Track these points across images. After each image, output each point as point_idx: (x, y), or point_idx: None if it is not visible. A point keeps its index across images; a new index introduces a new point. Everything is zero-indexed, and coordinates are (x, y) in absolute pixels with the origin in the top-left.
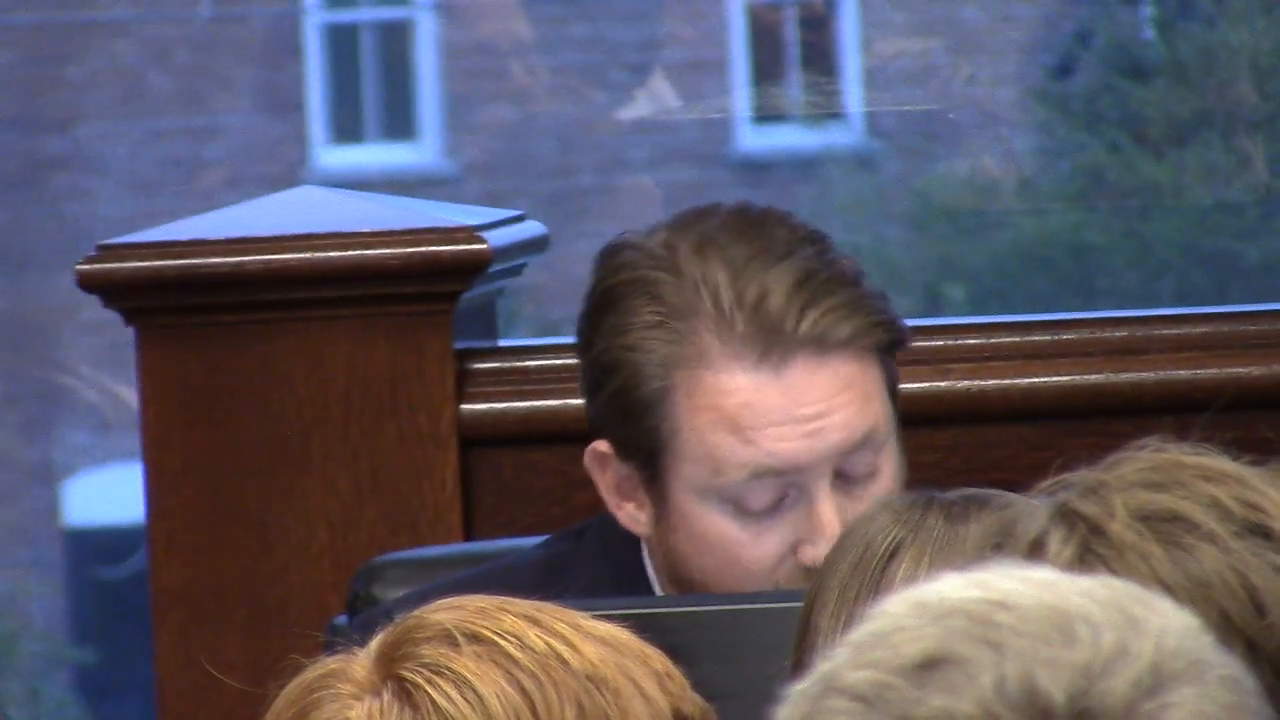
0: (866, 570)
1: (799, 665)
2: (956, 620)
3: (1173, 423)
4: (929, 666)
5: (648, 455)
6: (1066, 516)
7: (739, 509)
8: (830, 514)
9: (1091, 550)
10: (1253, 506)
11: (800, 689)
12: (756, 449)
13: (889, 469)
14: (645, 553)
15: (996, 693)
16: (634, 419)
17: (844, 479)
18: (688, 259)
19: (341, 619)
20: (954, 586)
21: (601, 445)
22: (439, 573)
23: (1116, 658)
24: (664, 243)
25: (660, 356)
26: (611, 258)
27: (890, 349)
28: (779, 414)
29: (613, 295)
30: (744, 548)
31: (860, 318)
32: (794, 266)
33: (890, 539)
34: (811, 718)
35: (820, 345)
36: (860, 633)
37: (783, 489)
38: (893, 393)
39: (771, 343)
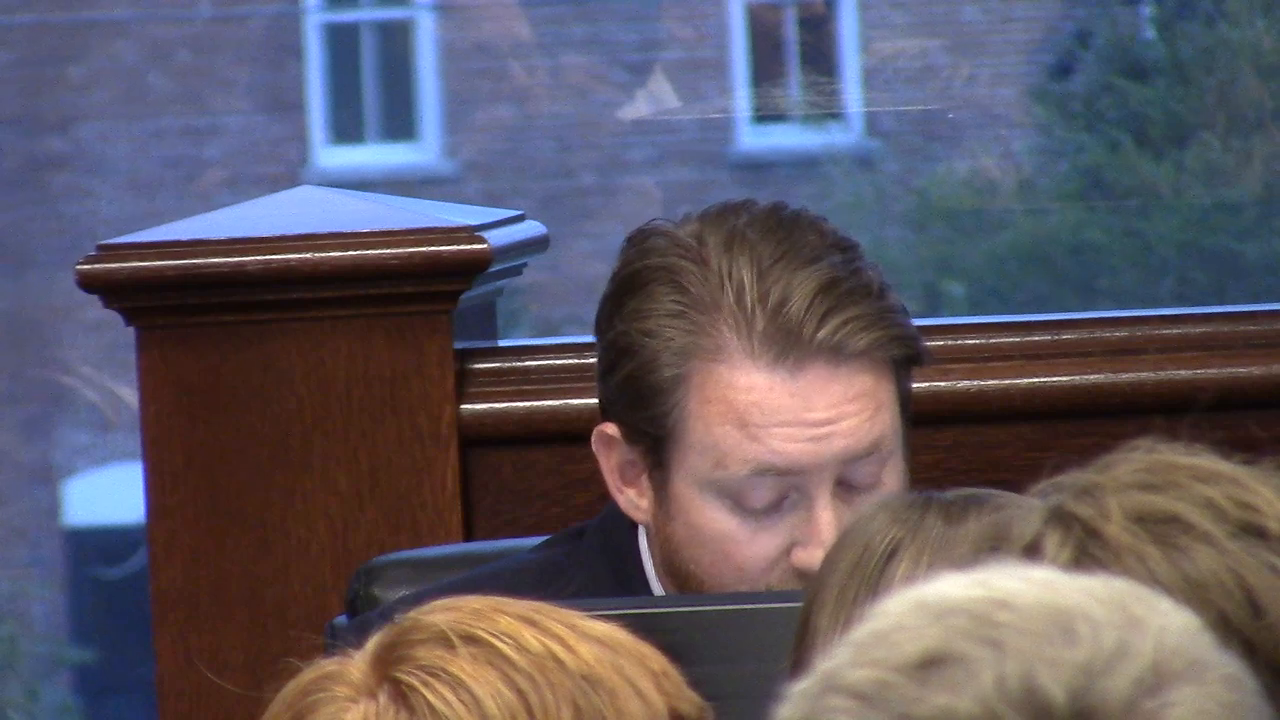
0: (865, 570)
1: (798, 665)
2: (957, 619)
3: (1173, 423)
4: (930, 665)
5: (654, 441)
6: (1062, 519)
7: (738, 505)
8: (828, 520)
9: (1088, 552)
10: (1247, 506)
11: (801, 688)
12: (761, 446)
13: (892, 482)
14: (644, 553)
15: (997, 691)
16: (645, 404)
17: (845, 487)
18: (715, 252)
19: (341, 619)
20: (955, 585)
21: (609, 428)
22: (439, 573)
23: (1117, 656)
24: (694, 234)
25: (678, 345)
26: (640, 242)
27: (907, 364)
28: (788, 415)
29: (637, 280)
30: (739, 545)
31: (879, 330)
32: (819, 272)
33: (889, 539)
34: (812, 716)
35: (836, 354)
36: (861, 632)
37: (783, 490)
38: (904, 407)
39: (789, 346)
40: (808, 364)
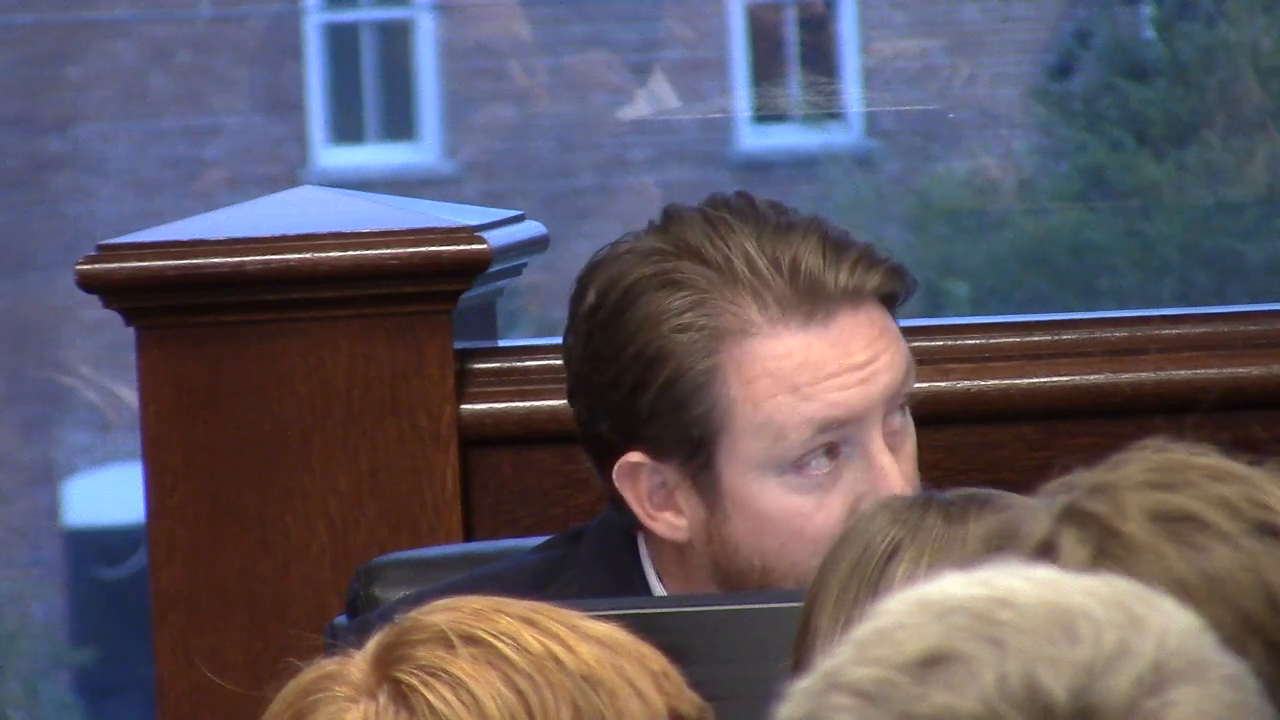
0: (865, 570)
1: (799, 665)
2: (959, 618)
3: (1173, 423)
4: (931, 664)
5: (695, 446)
6: (1077, 517)
7: (799, 478)
8: (889, 460)
9: (1106, 551)
10: (1262, 505)
11: (803, 686)
12: (819, 403)
13: (909, 430)
14: (643, 555)
15: (999, 690)
16: (685, 406)
17: (887, 434)
18: (702, 241)
19: (342, 619)
20: (957, 584)
21: (632, 456)
22: (439, 573)
23: (1118, 656)
24: (659, 240)
25: (708, 332)
26: (604, 270)
27: (893, 300)
28: (834, 365)
29: (628, 297)
30: (809, 517)
31: (880, 266)
32: (805, 230)
33: (889, 539)
34: (814, 715)
35: (856, 296)
36: (863, 630)
37: (838, 447)
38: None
39: (816, 301)
40: (835, 313)
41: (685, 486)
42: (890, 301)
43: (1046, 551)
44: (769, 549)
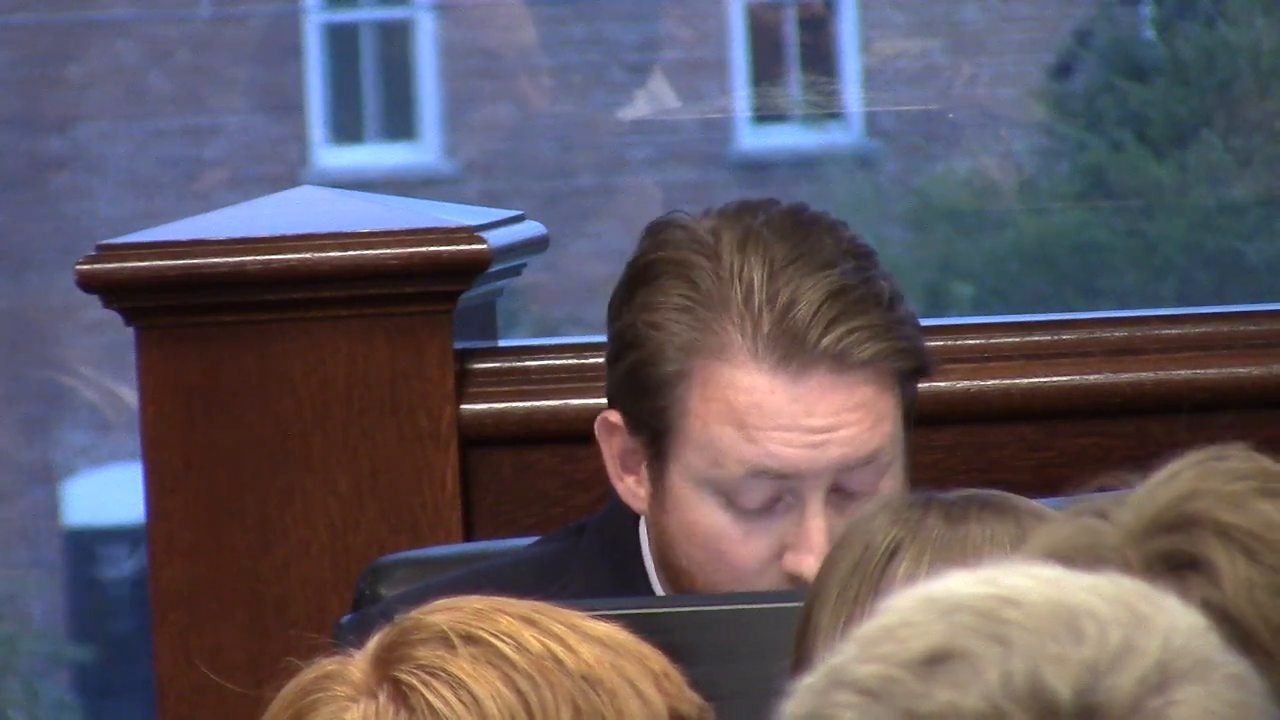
0: (866, 570)
1: (799, 664)
2: (964, 616)
3: (1172, 423)
4: (936, 661)
5: (653, 433)
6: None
7: (731, 504)
8: (819, 526)
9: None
10: None
11: (807, 683)
12: (758, 448)
13: (889, 489)
14: (645, 551)
15: (1003, 688)
16: (646, 396)
17: (840, 494)
18: (729, 249)
19: (347, 619)
20: (962, 583)
21: (613, 415)
22: (444, 573)
23: (1123, 654)
24: (711, 229)
25: (682, 340)
26: (658, 233)
27: (912, 375)
28: (786, 419)
29: (650, 271)
30: (732, 544)
31: (885, 341)
32: (830, 278)
33: (890, 539)
34: (818, 712)
35: (840, 362)
36: (868, 627)
37: (778, 492)
38: (907, 418)
39: (793, 350)
40: (810, 370)
41: (646, 464)
42: (901, 375)
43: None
44: (695, 558)
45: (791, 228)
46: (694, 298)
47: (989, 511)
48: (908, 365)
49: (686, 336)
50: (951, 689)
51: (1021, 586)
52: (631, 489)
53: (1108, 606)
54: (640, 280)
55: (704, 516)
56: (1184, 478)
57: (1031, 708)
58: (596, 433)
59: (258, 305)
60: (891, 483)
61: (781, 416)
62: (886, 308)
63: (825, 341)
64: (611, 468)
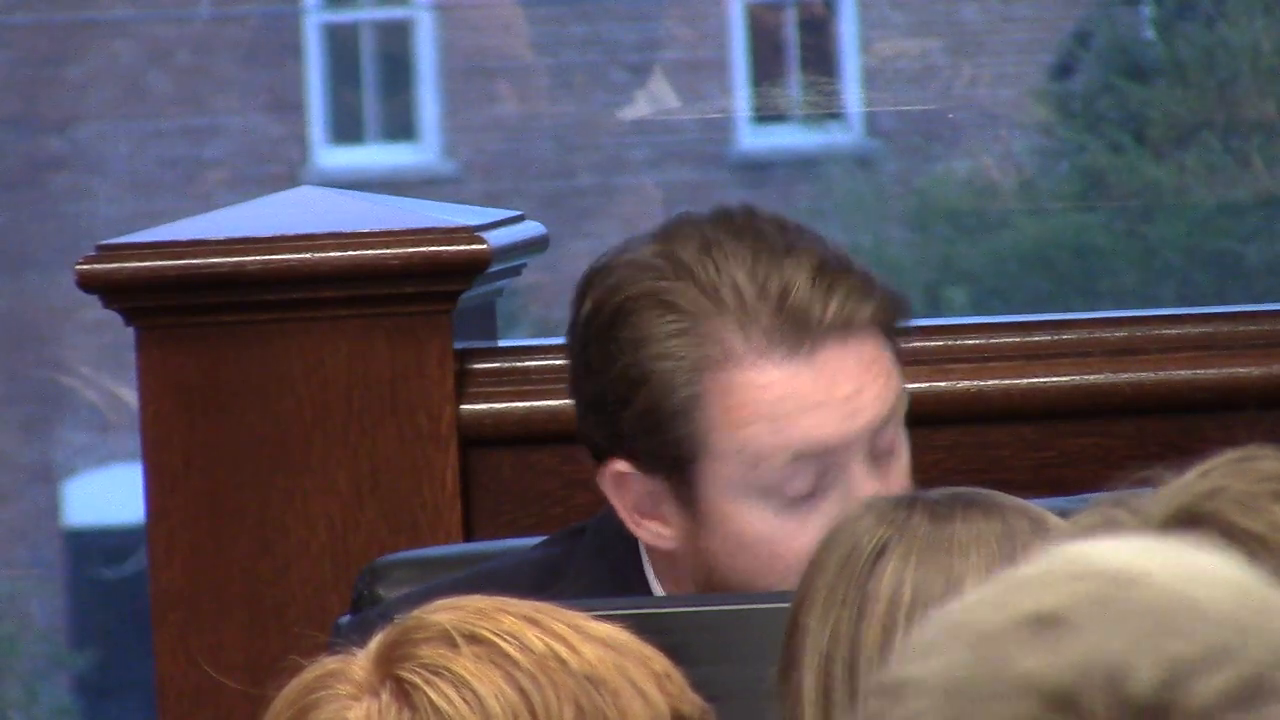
0: (853, 570)
1: (786, 665)
2: (1087, 584)
3: (1172, 423)
4: (1041, 624)
5: (674, 464)
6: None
7: (778, 499)
8: (873, 488)
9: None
10: None
11: (937, 615)
12: (796, 432)
13: (904, 443)
14: (644, 553)
15: (1088, 667)
16: (662, 429)
17: (874, 456)
18: (696, 262)
19: (346, 619)
20: (1107, 550)
21: (618, 465)
22: (444, 573)
23: (1219, 659)
24: (657, 254)
25: (689, 363)
26: (603, 279)
27: (895, 325)
28: (815, 399)
29: (621, 312)
30: (787, 540)
31: (875, 297)
32: (803, 255)
33: (876, 539)
34: (920, 646)
35: (846, 328)
36: (1013, 573)
37: (823, 470)
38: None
39: (801, 333)
40: (822, 345)
41: (670, 499)
42: (887, 328)
43: None
44: (747, 569)
45: (734, 225)
46: (682, 319)
47: (975, 510)
48: (896, 315)
49: (693, 357)
50: (1039, 655)
51: (1155, 565)
52: (656, 532)
53: (1231, 606)
54: (614, 325)
55: (752, 524)
56: (1212, 476)
57: (1107, 693)
58: (604, 488)
59: (257, 305)
60: (903, 436)
61: (810, 398)
62: (851, 264)
63: (829, 314)
64: (628, 518)
